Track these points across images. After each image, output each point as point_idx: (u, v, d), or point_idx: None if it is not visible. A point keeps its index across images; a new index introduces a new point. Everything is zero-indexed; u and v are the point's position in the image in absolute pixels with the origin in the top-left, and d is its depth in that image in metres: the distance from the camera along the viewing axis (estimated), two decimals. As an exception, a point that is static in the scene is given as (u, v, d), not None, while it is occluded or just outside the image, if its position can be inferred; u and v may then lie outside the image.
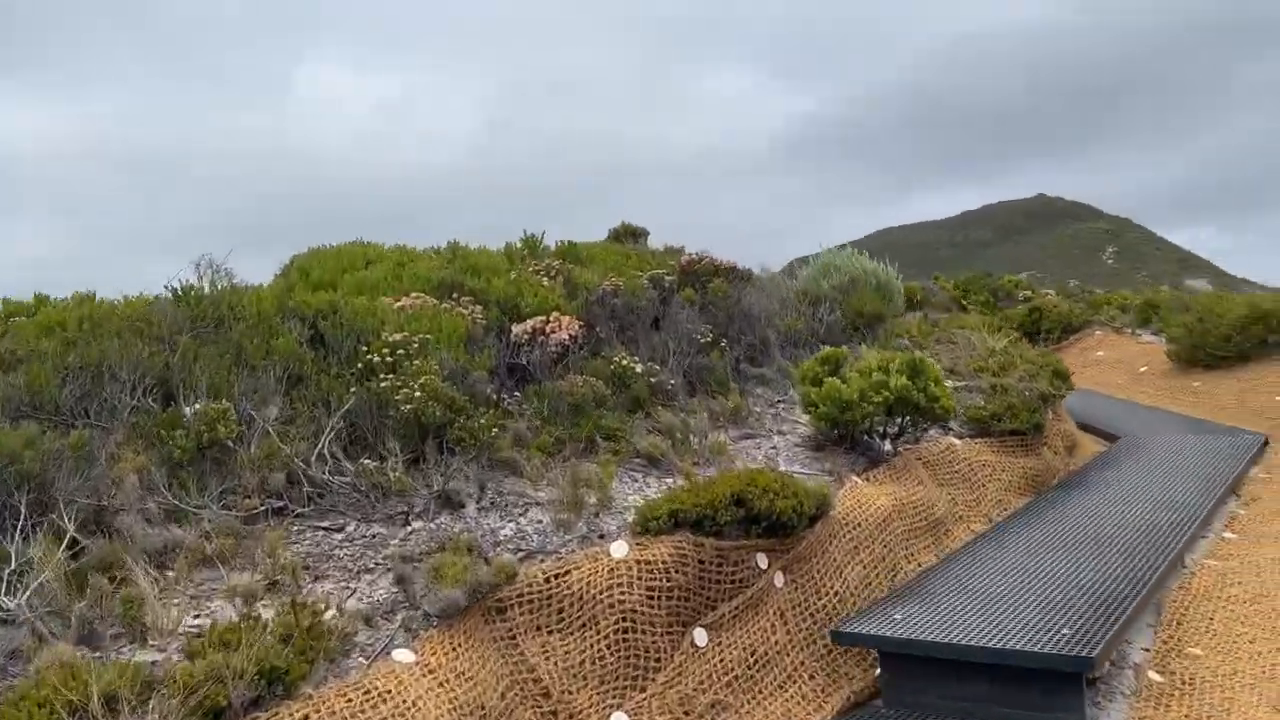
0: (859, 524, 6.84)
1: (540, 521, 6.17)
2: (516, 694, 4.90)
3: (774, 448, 8.17)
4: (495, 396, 7.61)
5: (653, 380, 8.44)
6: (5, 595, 4.52)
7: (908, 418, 8.03)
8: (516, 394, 7.84)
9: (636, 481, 7.02)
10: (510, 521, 6.20)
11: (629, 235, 17.50)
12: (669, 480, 7.09)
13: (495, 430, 6.73)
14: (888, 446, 7.99)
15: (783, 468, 7.74)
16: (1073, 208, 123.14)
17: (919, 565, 7.07)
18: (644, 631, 5.39)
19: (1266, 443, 10.38)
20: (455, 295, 8.85)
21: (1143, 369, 15.04)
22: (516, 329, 8.44)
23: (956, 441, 8.76)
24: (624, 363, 8.31)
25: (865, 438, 7.96)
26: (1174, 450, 10.16)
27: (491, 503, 6.39)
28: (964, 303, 22.23)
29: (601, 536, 6.03)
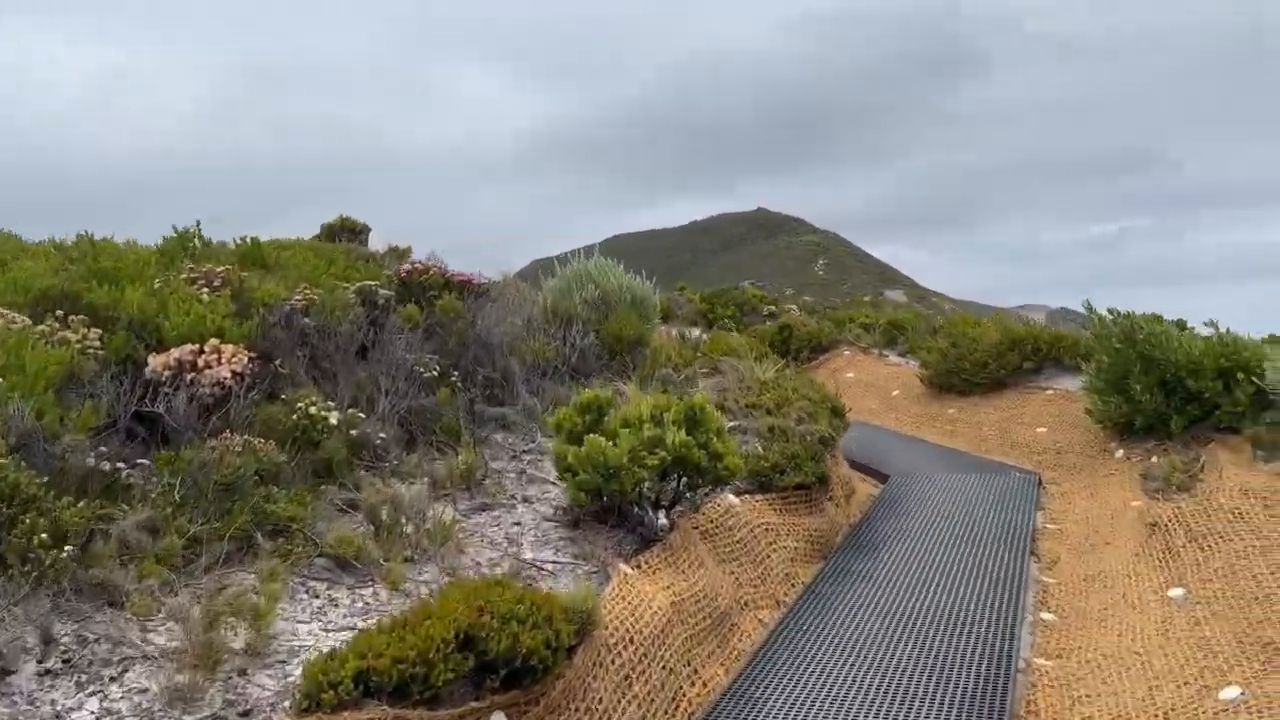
0: (632, 640, 5.05)
1: (146, 690, 3.86)
2: None
3: (518, 524, 6.23)
4: (110, 468, 5.12)
5: (354, 433, 6.25)
6: None
7: (685, 480, 6.39)
8: (143, 462, 5.36)
9: (319, 598, 4.83)
10: (95, 694, 3.84)
11: (346, 232, 14.91)
12: (368, 591, 4.96)
13: (78, 534, 4.31)
14: (662, 519, 6.29)
15: (529, 555, 5.82)
16: (788, 221, 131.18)
17: (706, 687, 5.40)
18: None
19: (1040, 483, 9.80)
20: (64, 313, 6.18)
21: (895, 392, 14.57)
22: (153, 362, 5.94)
23: (736, 501, 7.23)
24: (313, 410, 6.05)
25: (635, 509, 6.21)
26: (958, 495, 9.30)
27: (67, 660, 3.99)
28: (710, 316, 21.44)
29: (246, 715, 3.83)
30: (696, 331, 22.41)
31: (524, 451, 7.47)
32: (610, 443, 5.94)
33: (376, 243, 14.05)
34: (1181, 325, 10.77)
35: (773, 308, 21.19)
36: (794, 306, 20.73)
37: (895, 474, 10.47)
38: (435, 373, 7.39)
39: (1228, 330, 9.26)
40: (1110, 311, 10.43)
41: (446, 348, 7.90)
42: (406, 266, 8.90)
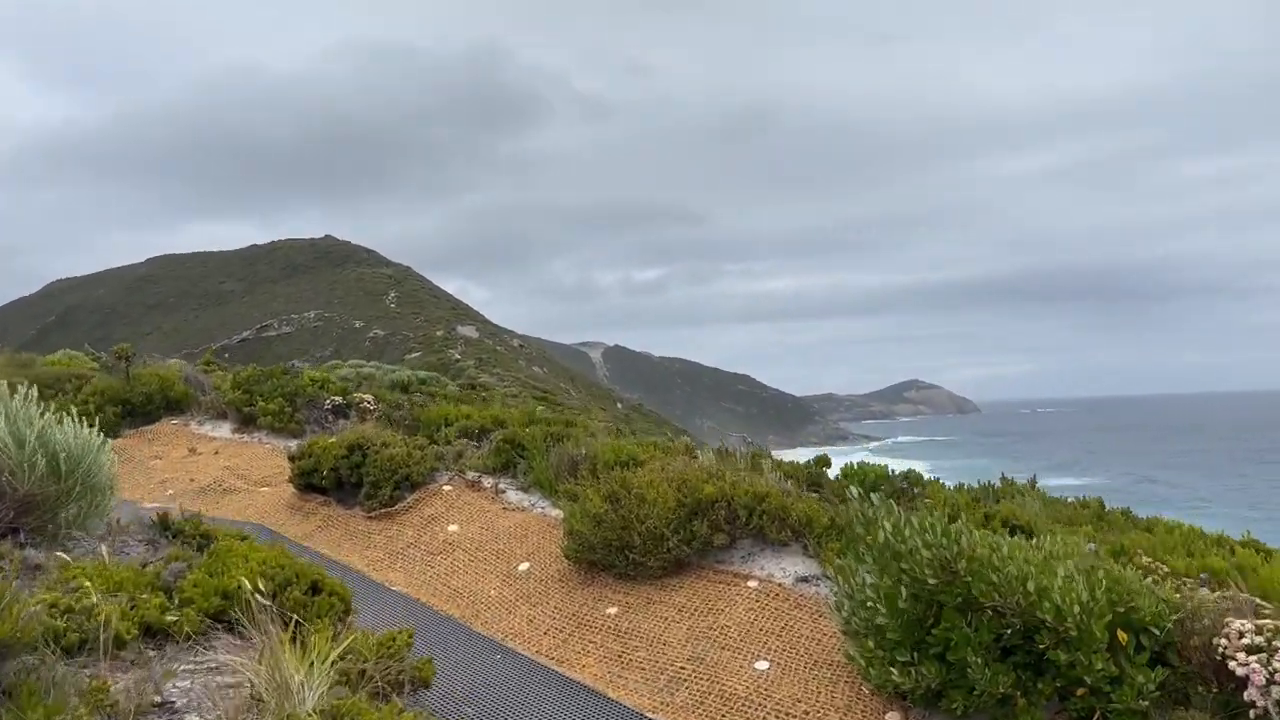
0: None
1: None
2: None
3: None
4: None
5: None
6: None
7: None
8: None
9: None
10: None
11: None
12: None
13: None
14: None
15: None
16: (357, 251, 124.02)
17: None
18: None
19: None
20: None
21: (524, 566, 9.85)
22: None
23: None
24: None
25: None
26: None
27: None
28: (247, 409, 15.25)
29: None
30: (220, 429, 15.94)
31: None
32: None
33: None
34: (1017, 527, 7.29)
35: (338, 399, 15.54)
36: (369, 399, 15.24)
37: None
38: None
39: (1107, 563, 5.79)
40: (893, 495, 6.64)
41: None
42: None
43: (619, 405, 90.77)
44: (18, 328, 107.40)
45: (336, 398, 15.06)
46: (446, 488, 11.72)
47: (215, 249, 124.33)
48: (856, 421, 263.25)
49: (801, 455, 13.97)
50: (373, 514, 11.32)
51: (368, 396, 15.14)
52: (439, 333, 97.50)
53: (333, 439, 12.21)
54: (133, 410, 16.15)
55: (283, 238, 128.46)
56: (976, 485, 12.16)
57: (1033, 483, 12.71)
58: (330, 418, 15.00)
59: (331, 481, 11.76)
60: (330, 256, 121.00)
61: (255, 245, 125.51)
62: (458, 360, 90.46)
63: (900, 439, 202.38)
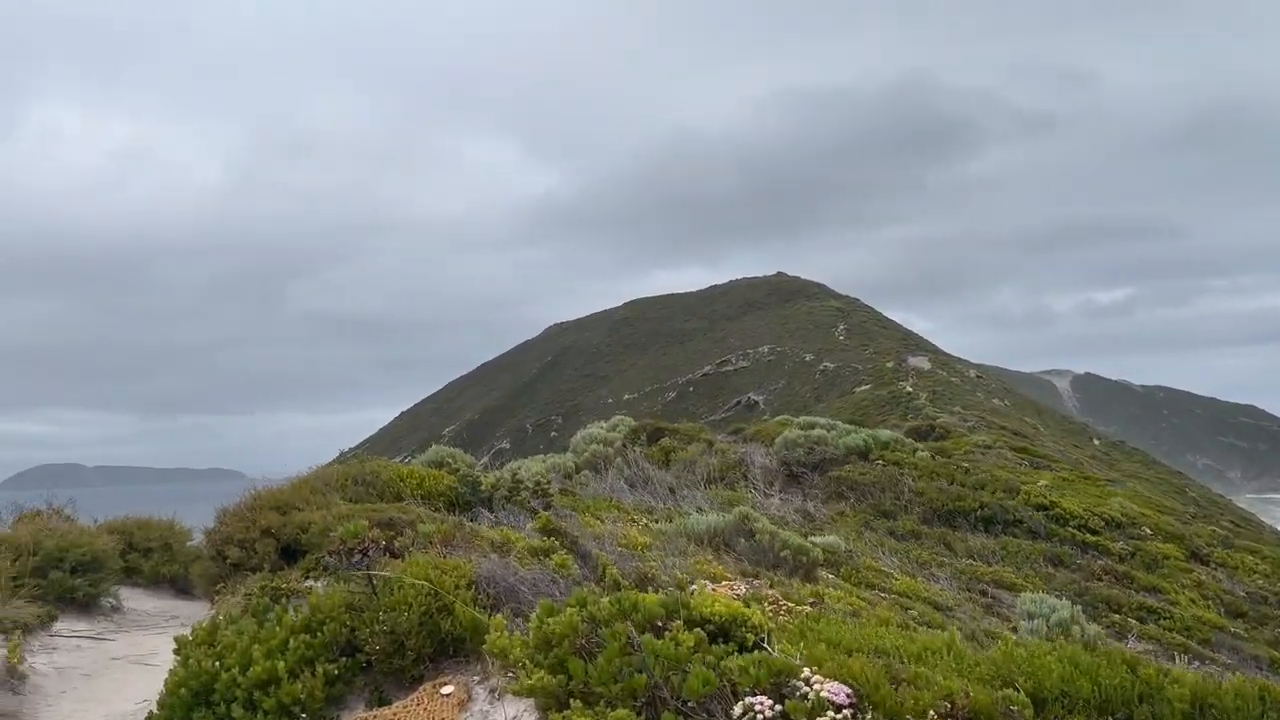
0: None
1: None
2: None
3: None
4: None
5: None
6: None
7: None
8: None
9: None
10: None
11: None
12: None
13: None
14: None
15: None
16: (807, 286, 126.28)
17: None
18: None
19: None
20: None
21: None
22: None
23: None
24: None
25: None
26: None
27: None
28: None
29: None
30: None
31: None
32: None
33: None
34: None
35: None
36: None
37: None
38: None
39: None
40: None
41: None
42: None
43: (1095, 442, 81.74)
44: (523, 366, 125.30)
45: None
46: None
47: (681, 290, 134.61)
48: None
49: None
50: None
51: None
52: (889, 364, 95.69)
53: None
54: (369, 663, 11.10)
55: (738, 276, 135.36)
56: None
57: None
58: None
59: None
60: (781, 292, 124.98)
61: (714, 285, 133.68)
62: (909, 393, 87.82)
63: None
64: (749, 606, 4.47)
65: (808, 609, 5.75)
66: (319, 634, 5.05)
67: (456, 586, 5.16)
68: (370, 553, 4.79)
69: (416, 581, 5.05)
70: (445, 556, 5.55)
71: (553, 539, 5.90)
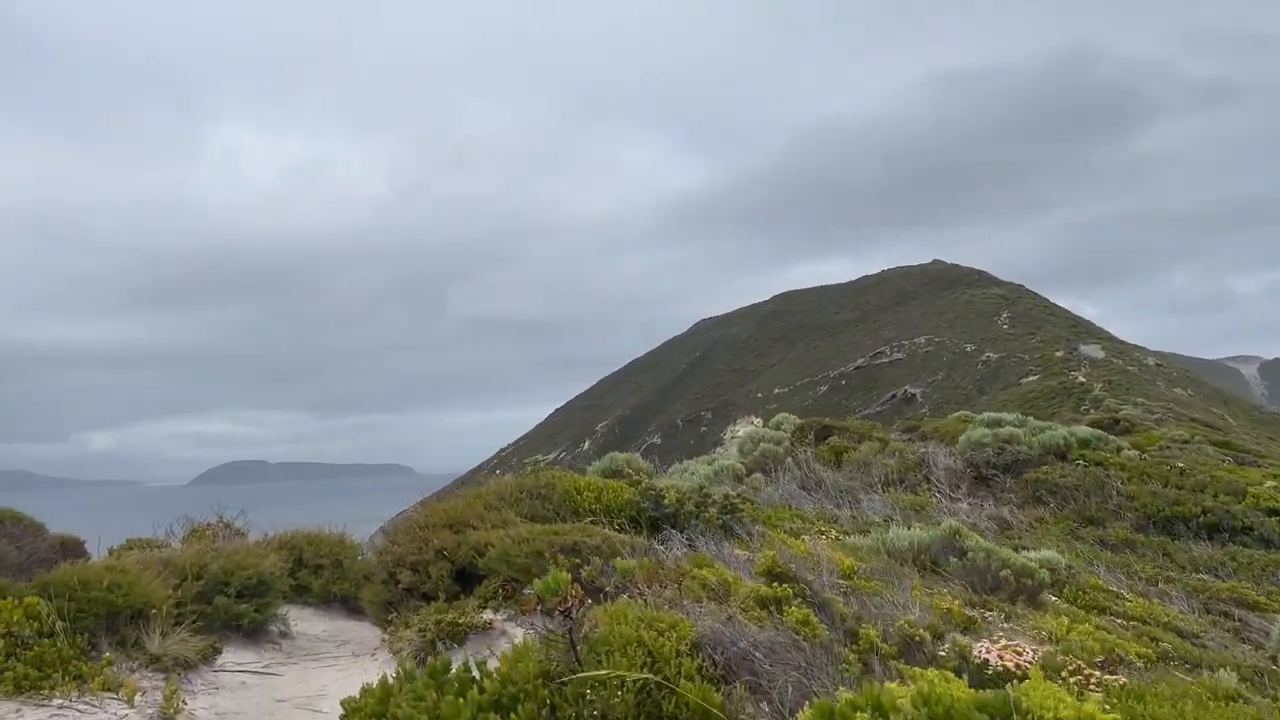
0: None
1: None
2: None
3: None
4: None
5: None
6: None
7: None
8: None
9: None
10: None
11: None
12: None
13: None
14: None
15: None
16: (967, 274, 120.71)
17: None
18: None
19: None
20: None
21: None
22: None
23: None
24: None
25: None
26: None
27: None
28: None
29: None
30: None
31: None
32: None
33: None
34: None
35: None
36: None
37: None
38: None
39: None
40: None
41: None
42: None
43: (1291, 434, 74.68)
44: (671, 361, 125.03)
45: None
46: None
47: (828, 282, 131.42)
48: None
49: None
50: None
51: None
52: (1058, 353, 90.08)
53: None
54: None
55: (891, 266, 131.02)
56: None
57: None
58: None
59: None
60: (938, 281, 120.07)
61: (865, 276, 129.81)
62: (1081, 383, 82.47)
63: None
64: (1053, 679, 3.39)
65: (1109, 678, 4.57)
66: (512, 716, 4.09)
67: (677, 653, 4.18)
68: (573, 612, 4.01)
69: (628, 645, 4.09)
70: (649, 603, 4.70)
71: (783, 586, 4.97)
